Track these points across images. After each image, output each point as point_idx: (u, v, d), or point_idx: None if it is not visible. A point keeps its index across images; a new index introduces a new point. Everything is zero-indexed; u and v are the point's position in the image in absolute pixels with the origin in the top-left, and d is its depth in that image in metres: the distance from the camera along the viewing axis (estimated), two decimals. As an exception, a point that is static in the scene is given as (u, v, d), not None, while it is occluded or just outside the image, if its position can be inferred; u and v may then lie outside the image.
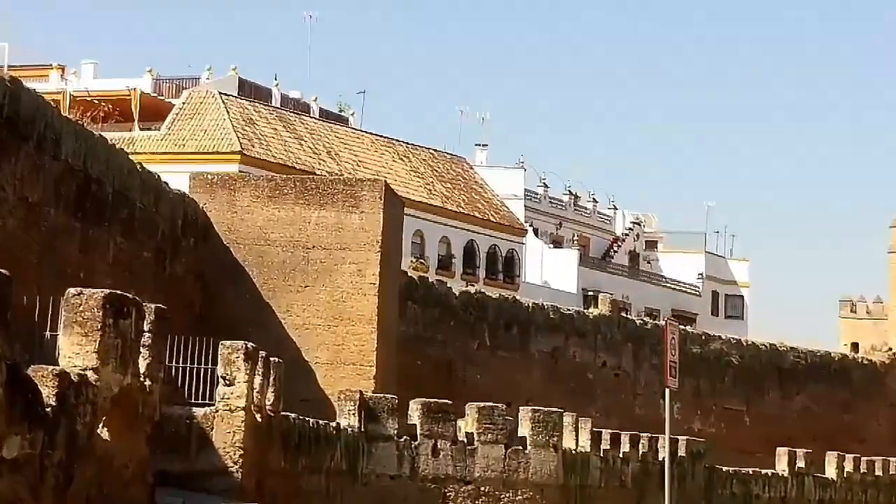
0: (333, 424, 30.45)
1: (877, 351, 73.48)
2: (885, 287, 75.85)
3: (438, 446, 33.17)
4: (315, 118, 76.76)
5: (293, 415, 27.25)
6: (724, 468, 47.35)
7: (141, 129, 67.88)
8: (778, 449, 51.25)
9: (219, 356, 23.44)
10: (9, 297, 13.32)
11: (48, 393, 14.47)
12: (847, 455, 54.21)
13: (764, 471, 49.56)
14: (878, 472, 55.41)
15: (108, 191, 31.40)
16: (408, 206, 52.90)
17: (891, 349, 72.63)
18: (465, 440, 33.88)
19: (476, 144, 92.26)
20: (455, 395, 40.28)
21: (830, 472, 52.70)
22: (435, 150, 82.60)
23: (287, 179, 41.07)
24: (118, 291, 16.97)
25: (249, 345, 23.46)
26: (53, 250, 28.14)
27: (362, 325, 38.50)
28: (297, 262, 38.50)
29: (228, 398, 23.25)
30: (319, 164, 68.44)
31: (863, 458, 55.01)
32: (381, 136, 78.23)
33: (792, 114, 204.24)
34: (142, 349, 17.48)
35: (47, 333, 21.67)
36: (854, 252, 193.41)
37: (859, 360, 72.41)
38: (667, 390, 23.74)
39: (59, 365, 15.68)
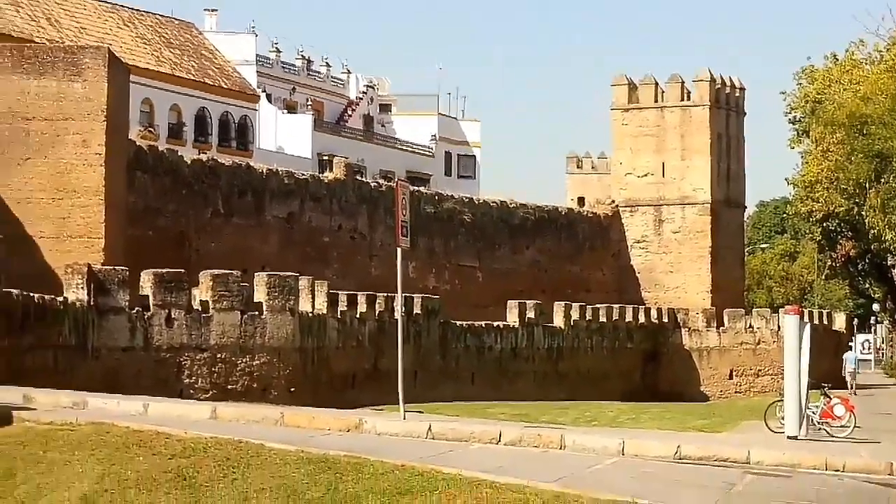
0: (60, 299, 29.92)
1: (601, 204, 75.79)
2: (608, 142, 78.08)
3: (172, 316, 33.03)
4: (33, -17, 73.86)
5: (15, 291, 26.48)
6: (458, 322, 48.57)
7: None
8: (509, 302, 52.83)
9: (-70, 233, 22.44)
10: None
11: None
12: (573, 304, 56.35)
13: (496, 323, 51.07)
14: (602, 319, 57.81)
15: None
16: (134, 74, 51.69)
17: (613, 202, 74.94)
18: (200, 308, 33.82)
19: (205, 9, 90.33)
20: (189, 265, 40.06)
21: (558, 320, 54.70)
22: (162, 16, 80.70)
23: (2, 48, 39.31)
24: None
25: (-37, 220, 22.51)
26: None
27: (88, 196, 37.80)
28: (16, 134, 37.38)
29: (-59, 276, 22.30)
30: (38, 31, 66.00)
31: (588, 307, 57.26)
32: (104, 2, 75.84)
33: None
34: None
35: None
36: (579, 110, 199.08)
37: (585, 214, 74.71)
38: (398, 250, 24.11)
39: None
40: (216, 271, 34.92)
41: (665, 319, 62.93)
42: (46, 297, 28.79)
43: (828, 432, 28.24)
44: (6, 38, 58.24)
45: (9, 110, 37.42)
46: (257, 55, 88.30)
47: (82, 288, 30.88)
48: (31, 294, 27.64)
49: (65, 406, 20.21)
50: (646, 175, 74.07)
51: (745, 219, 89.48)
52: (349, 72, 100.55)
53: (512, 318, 51.65)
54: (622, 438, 19.02)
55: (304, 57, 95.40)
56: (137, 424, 18.17)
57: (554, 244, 70.32)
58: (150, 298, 32.66)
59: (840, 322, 70.80)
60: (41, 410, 19.13)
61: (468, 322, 49.39)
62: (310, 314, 38.15)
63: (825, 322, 66.51)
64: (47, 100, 37.70)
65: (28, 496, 15.02)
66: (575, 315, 55.59)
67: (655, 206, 74.07)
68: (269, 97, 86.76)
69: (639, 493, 14.90)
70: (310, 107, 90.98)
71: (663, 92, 74.71)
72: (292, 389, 35.09)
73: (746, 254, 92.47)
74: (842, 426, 28.70)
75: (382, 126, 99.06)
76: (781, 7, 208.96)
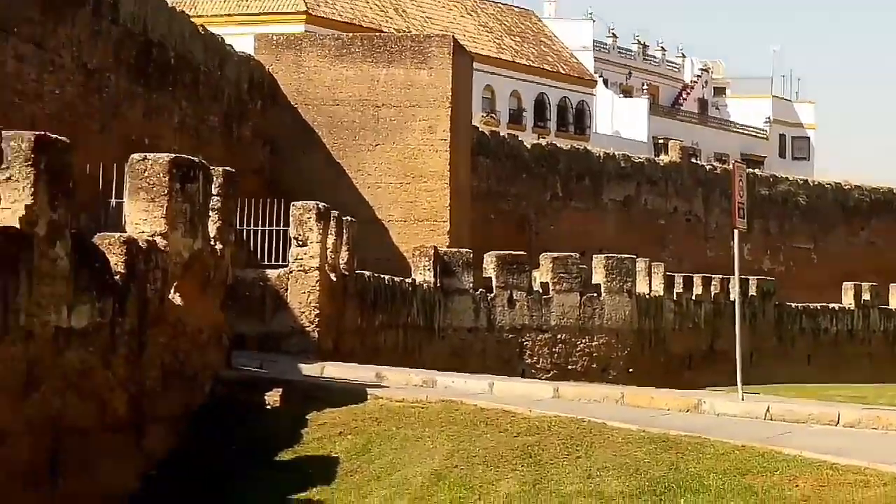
0: (409, 281, 30.97)
1: (938, 184, 73.30)
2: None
3: (514, 297, 33.80)
4: (381, -25, 76.37)
5: (368, 273, 27.39)
6: (793, 304, 47.97)
7: (203, -10, 67.40)
8: (844, 284, 51.71)
9: (290, 217, 23.19)
10: (69, 164, 12.57)
11: (116, 261, 13.88)
12: (910, 286, 54.60)
13: (831, 305, 50.12)
14: (940, 301, 55.77)
15: (171, 55, 31.07)
16: (477, 61, 52.81)
17: (951, 183, 72.45)
18: (541, 290, 34.49)
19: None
20: (529, 247, 40.88)
21: (894, 303, 53.15)
22: (503, 4, 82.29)
23: (354, 38, 40.67)
24: (184, 155, 16.13)
25: (321, 205, 23.19)
26: (116, 117, 27.73)
27: (434, 181, 38.66)
28: (366, 121, 38.58)
29: (302, 259, 23.03)
30: (387, 21, 68.24)
31: (924, 289, 55.33)
32: (448, -8, 77.89)
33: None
34: (211, 213, 16.72)
35: (112, 201, 21.26)
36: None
37: (921, 196, 72.25)
38: (735, 231, 24.05)
39: (126, 232, 15.00)
40: (556, 254, 35.51)
41: None
42: (396, 278, 29.80)
43: None
44: (357, 29, 60.49)
45: (360, 98, 38.62)
46: (594, 41, 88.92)
47: (429, 270, 31.88)
48: (382, 276, 28.58)
49: (415, 384, 20.84)
50: None
51: None
52: (684, 56, 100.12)
53: (847, 300, 50.57)
54: (962, 421, 18.53)
55: (639, 42, 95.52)
56: (484, 403, 18.58)
57: (890, 226, 68.32)
58: (493, 280, 33.50)
59: None
60: (393, 388, 19.74)
61: (803, 304, 48.71)
62: (647, 296, 38.43)
63: None
64: (396, 87, 38.70)
65: (383, 471, 15.57)
66: (911, 297, 53.95)
67: None
68: (605, 82, 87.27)
69: (983, 478, 14.64)
70: (645, 91, 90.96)
71: None
72: (630, 370, 35.44)
73: None
74: None
75: (717, 109, 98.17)
76: None
